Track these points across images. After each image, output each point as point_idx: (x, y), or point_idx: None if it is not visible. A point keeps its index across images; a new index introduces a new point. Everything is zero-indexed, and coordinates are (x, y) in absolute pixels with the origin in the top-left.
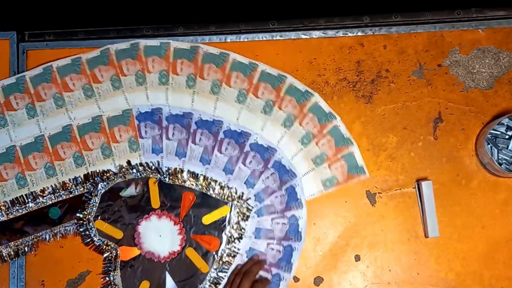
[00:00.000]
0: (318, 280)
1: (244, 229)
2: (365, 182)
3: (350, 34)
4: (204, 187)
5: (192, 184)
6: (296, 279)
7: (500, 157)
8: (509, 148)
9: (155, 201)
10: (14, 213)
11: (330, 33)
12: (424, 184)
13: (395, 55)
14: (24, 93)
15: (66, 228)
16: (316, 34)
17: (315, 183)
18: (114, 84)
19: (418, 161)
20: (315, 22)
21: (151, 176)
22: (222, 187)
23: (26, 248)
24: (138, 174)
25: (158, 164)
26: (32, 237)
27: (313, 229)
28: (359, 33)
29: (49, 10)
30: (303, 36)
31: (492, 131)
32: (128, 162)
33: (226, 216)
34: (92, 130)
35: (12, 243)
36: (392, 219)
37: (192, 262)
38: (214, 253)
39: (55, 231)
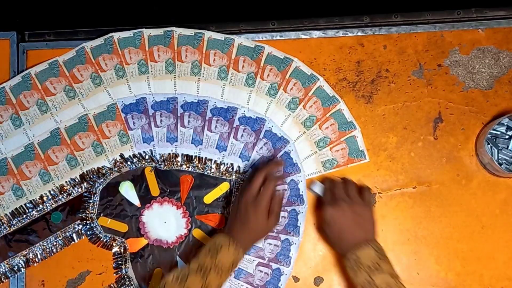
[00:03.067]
0: (318, 280)
1: None
2: (365, 182)
3: (350, 34)
4: (200, 168)
5: (188, 167)
6: (296, 279)
7: (500, 157)
8: (509, 148)
9: (154, 189)
10: (17, 224)
11: (330, 33)
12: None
13: (395, 55)
14: (7, 104)
15: (71, 231)
16: (316, 34)
17: (316, 164)
18: (95, 81)
19: (418, 161)
20: (315, 22)
21: (146, 165)
22: (218, 165)
23: (35, 258)
24: (133, 165)
25: (151, 152)
26: (38, 245)
27: (313, 229)
28: (359, 33)
29: (49, 10)
30: (303, 36)
31: (492, 131)
32: (121, 156)
33: (226, 192)
34: (80, 130)
35: (20, 253)
36: (392, 219)
37: (201, 242)
38: (221, 229)
39: (60, 237)
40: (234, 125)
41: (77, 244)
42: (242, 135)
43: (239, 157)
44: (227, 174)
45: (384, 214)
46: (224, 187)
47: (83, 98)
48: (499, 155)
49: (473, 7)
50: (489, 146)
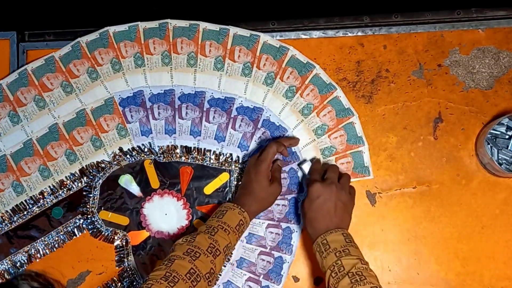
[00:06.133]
0: (318, 280)
1: None
2: (365, 182)
3: (350, 34)
4: (199, 159)
5: (188, 158)
6: (296, 279)
7: (500, 157)
8: (509, 148)
9: (154, 182)
10: (18, 220)
11: (330, 33)
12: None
13: (395, 55)
14: (4, 101)
15: (73, 226)
16: (316, 34)
17: (315, 152)
18: (91, 76)
19: (418, 161)
20: (315, 22)
21: (145, 158)
22: (217, 155)
23: (37, 254)
24: (132, 158)
25: (150, 145)
26: (40, 240)
27: None
28: (359, 33)
29: (49, 10)
30: (303, 36)
31: (492, 131)
32: (120, 149)
33: (226, 182)
34: (78, 124)
35: (22, 249)
36: (392, 219)
37: None
38: None
39: (62, 232)
40: (232, 115)
41: (77, 244)
42: (240, 125)
43: (238, 147)
44: (226, 165)
45: (384, 214)
46: (223, 178)
47: (80, 93)
48: (499, 155)
49: (473, 7)
50: (489, 146)
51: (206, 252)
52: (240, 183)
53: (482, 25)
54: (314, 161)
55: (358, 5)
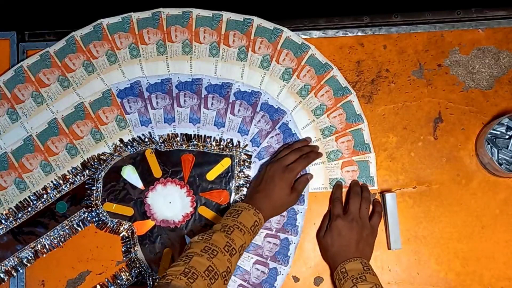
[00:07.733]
0: (318, 280)
1: (249, 175)
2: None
3: (350, 34)
4: (200, 146)
5: (188, 146)
6: (296, 279)
7: (500, 157)
8: (509, 148)
9: (156, 171)
10: (23, 217)
11: (330, 33)
12: (388, 195)
13: (395, 55)
14: (2, 99)
15: (77, 220)
16: (316, 34)
17: (315, 132)
18: (87, 69)
19: (418, 161)
20: (315, 22)
21: (146, 148)
22: (217, 141)
23: (43, 249)
24: (133, 149)
25: (150, 134)
26: (46, 235)
27: (313, 229)
28: (359, 33)
29: (49, 10)
30: (303, 36)
31: (492, 131)
32: (121, 140)
33: (229, 168)
34: (77, 118)
35: (28, 246)
36: None
37: (207, 219)
38: (226, 205)
39: (67, 226)
40: (230, 101)
41: (77, 244)
42: (239, 110)
43: (238, 132)
44: (227, 150)
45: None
46: (225, 163)
47: (78, 87)
48: (499, 155)
49: (473, 7)
50: (489, 146)
51: (223, 251)
52: (252, 180)
53: (482, 25)
54: (335, 187)
55: (358, 5)
